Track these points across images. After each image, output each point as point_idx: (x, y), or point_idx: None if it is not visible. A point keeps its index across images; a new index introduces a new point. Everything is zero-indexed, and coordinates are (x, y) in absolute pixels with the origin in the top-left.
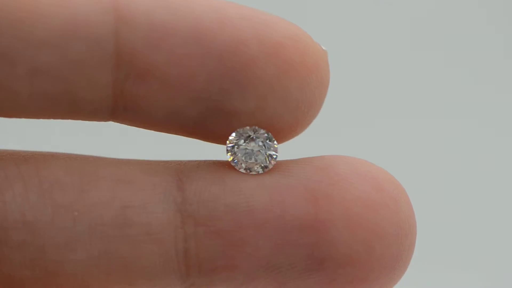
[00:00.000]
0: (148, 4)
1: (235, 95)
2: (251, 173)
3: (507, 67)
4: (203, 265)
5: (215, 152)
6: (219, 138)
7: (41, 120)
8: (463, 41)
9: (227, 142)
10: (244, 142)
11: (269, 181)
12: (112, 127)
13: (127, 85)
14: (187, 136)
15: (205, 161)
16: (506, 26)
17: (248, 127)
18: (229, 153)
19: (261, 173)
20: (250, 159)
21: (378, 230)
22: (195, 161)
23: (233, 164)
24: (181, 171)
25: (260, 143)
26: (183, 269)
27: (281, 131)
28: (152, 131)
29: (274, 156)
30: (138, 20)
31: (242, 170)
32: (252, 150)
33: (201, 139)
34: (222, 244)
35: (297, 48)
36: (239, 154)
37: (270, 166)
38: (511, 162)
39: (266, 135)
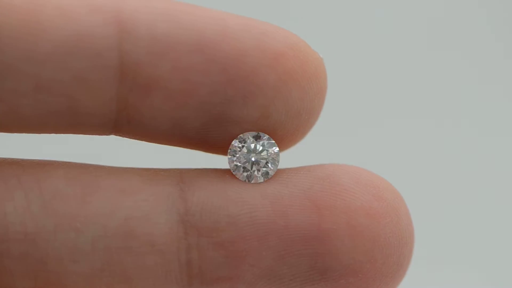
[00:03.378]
0: (151, 17)
1: (238, 105)
2: (251, 181)
3: (509, 69)
4: (206, 275)
5: (216, 161)
6: (222, 148)
7: (42, 134)
8: (465, 44)
9: (229, 148)
10: (246, 148)
11: (271, 191)
12: (112, 139)
13: (131, 97)
14: (189, 148)
15: (206, 169)
16: (507, 26)
17: (250, 133)
18: (231, 160)
19: (262, 182)
20: (252, 164)
21: (380, 239)
22: (197, 169)
23: (234, 173)
24: (183, 180)
25: (262, 148)
26: (185, 279)
27: (283, 139)
28: (154, 144)
29: (274, 168)
30: (141, 33)
31: (242, 178)
32: (254, 155)
33: (203, 150)
34: (225, 255)
35: (297, 57)
36: (241, 160)
37: (271, 173)
38: (508, 166)
39: (268, 140)
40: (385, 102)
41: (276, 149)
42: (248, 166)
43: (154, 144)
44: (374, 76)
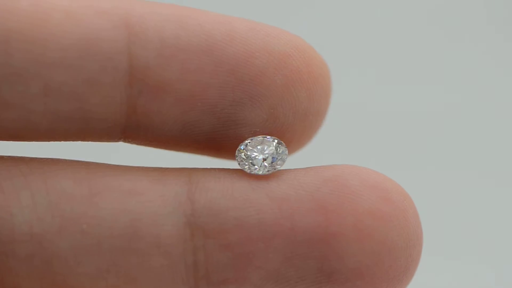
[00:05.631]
0: (159, 21)
1: (246, 107)
2: (258, 172)
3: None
4: (212, 277)
5: (224, 164)
6: (230, 152)
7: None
8: (466, 43)
9: (238, 149)
10: (254, 147)
11: (278, 193)
12: (118, 145)
13: (140, 101)
14: (198, 153)
15: (214, 169)
16: (506, 22)
17: (259, 136)
18: (239, 157)
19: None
20: (259, 153)
21: (387, 242)
22: (205, 169)
23: (240, 165)
24: (190, 180)
25: (271, 145)
26: (191, 281)
27: (291, 141)
28: (162, 150)
29: (283, 158)
30: (149, 36)
31: (248, 171)
32: (262, 147)
33: (212, 155)
34: (232, 257)
35: (303, 59)
36: (248, 152)
37: (279, 168)
38: None
39: (275, 140)
40: (392, 103)
41: (284, 147)
42: (255, 161)
43: (162, 150)
44: (381, 76)
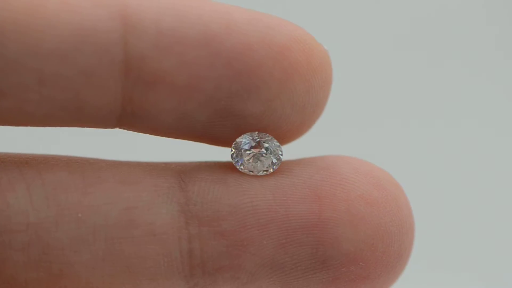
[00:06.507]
0: (156, 11)
1: (244, 99)
2: (252, 173)
3: (507, 67)
4: (207, 265)
5: (216, 154)
6: (226, 141)
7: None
8: (464, 41)
9: (233, 144)
10: (250, 146)
11: (272, 181)
12: (110, 132)
13: (136, 91)
14: (194, 141)
15: (206, 162)
16: (506, 25)
17: (255, 132)
18: (234, 155)
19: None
20: (254, 163)
21: (380, 228)
22: (196, 162)
23: (236, 165)
24: (183, 172)
25: (265, 150)
26: (187, 269)
27: (288, 132)
28: (157, 138)
29: (277, 162)
30: (146, 26)
31: (244, 171)
32: (257, 155)
33: (208, 143)
34: (226, 244)
35: (302, 51)
36: (244, 158)
37: (271, 171)
38: (508, 165)
39: (272, 140)
40: (390, 96)
41: (280, 148)
42: (250, 165)
43: (157, 137)
44: (379, 70)
